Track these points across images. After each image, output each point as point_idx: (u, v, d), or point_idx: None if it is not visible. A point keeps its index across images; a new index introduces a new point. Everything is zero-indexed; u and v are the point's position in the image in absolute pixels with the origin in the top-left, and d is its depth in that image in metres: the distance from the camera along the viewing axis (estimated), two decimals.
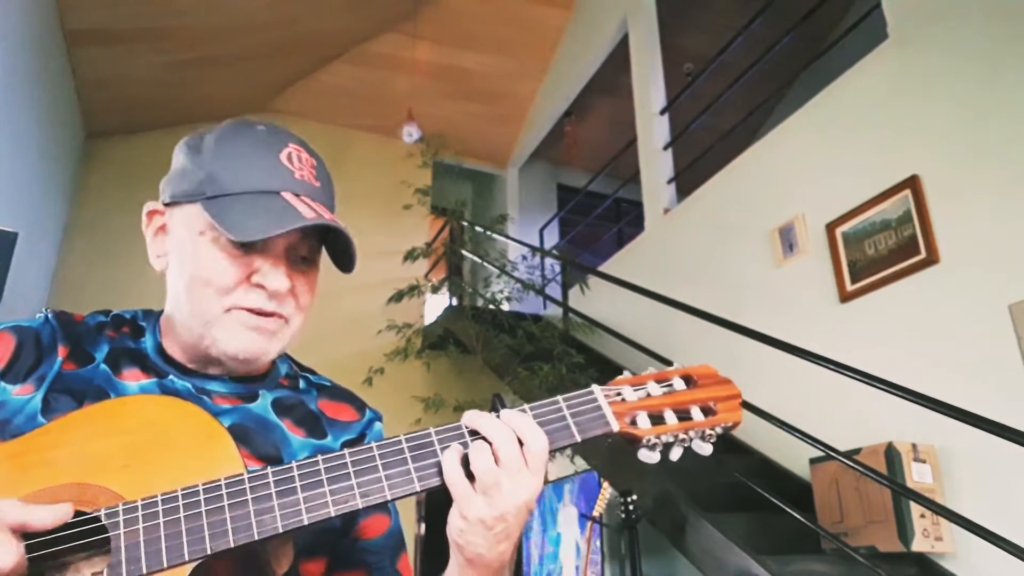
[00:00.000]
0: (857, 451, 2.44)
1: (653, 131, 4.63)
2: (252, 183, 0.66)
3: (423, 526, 5.26)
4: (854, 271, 2.98)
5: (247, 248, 0.67)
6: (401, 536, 0.78)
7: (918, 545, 2.25)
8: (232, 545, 0.55)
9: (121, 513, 0.54)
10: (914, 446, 2.40)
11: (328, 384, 0.83)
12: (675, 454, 0.68)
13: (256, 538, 0.56)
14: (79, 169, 5.11)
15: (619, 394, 0.68)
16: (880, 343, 2.80)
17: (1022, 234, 2.39)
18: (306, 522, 0.57)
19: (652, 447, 0.66)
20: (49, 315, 0.70)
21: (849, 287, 2.99)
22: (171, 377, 0.70)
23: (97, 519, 0.54)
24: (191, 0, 4.38)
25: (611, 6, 5.36)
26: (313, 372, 0.84)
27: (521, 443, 0.62)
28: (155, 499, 0.55)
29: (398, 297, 5.15)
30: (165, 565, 0.53)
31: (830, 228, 3.13)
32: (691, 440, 0.68)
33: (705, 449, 0.69)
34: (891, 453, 2.37)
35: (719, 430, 0.69)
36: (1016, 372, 2.31)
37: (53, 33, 3.97)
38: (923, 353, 2.63)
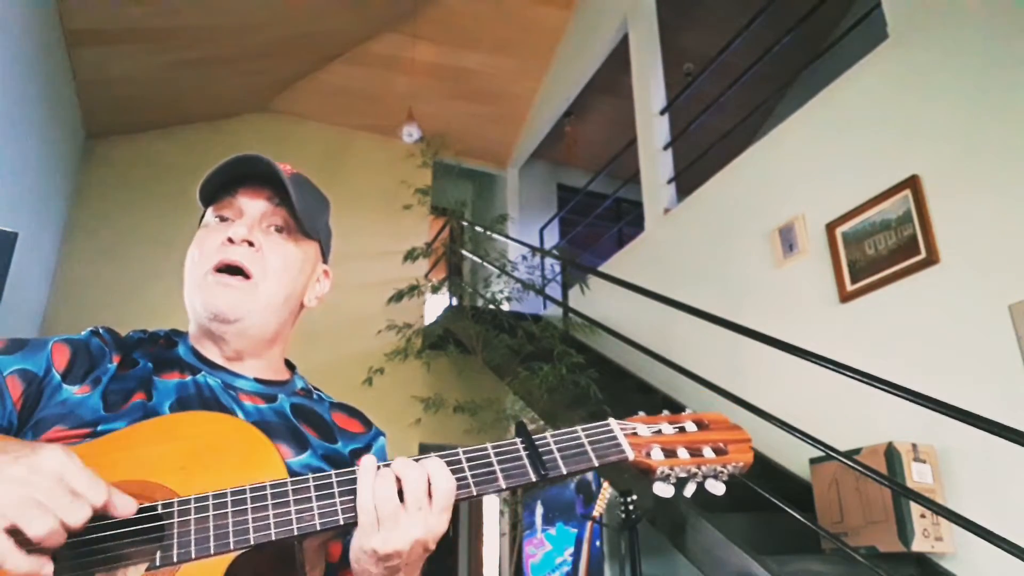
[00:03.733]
0: (857, 451, 2.44)
1: (653, 131, 4.63)
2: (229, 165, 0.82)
3: None
4: (854, 271, 2.99)
5: (226, 221, 0.81)
6: None
7: (918, 545, 2.25)
8: (273, 538, 0.60)
9: (176, 505, 0.61)
10: (914, 446, 2.40)
11: (339, 402, 0.92)
12: (689, 490, 0.72)
13: (296, 534, 0.61)
14: (79, 169, 5.11)
15: (634, 430, 0.73)
16: (880, 343, 2.80)
17: (1022, 234, 2.39)
18: (341, 522, 0.63)
19: (665, 479, 0.70)
20: (100, 330, 0.80)
21: (849, 287, 2.99)
22: (203, 373, 0.80)
23: (154, 509, 0.60)
24: (191, 0, 4.38)
25: (611, 6, 5.36)
26: (323, 392, 0.93)
27: (429, 484, 0.65)
28: (206, 496, 0.61)
29: (398, 297, 5.15)
30: (212, 552, 0.59)
31: (830, 228, 3.13)
32: (704, 478, 0.72)
33: (718, 488, 0.72)
34: (891, 453, 2.37)
35: (731, 469, 0.72)
36: (1016, 372, 2.31)
37: (53, 33, 3.97)
38: (923, 353, 2.63)
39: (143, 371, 0.77)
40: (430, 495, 0.64)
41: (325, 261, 0.91)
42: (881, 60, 3.07)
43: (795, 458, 2.92)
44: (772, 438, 2.98)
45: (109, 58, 4.48)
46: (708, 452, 0.72)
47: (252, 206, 0.82)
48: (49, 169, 4.33)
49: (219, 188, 0.82)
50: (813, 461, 2.63)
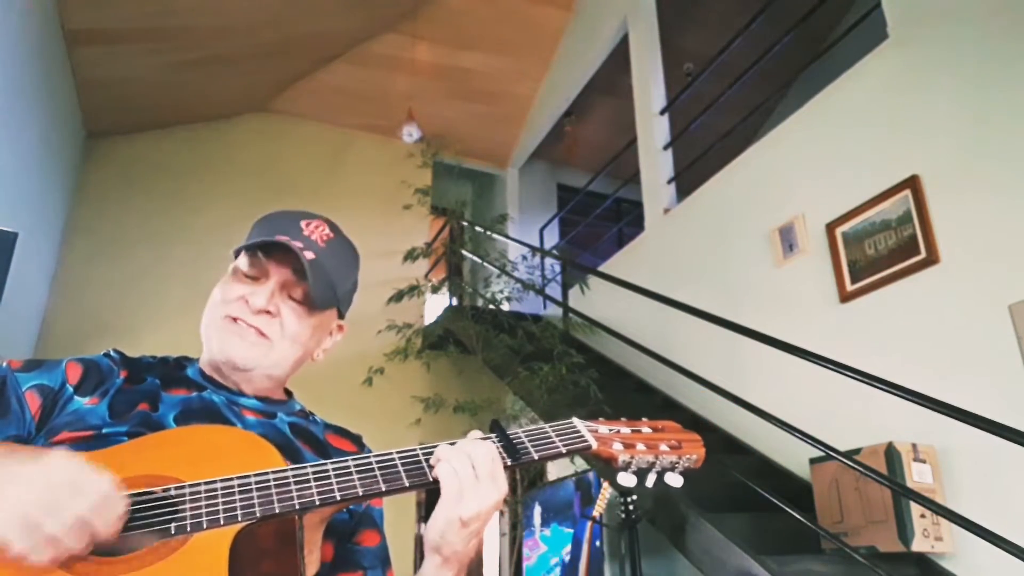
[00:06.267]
0: (857, 451, 2.44)
1: (653, 131, 4.63)
2: (268, 233, 0.88)
3: (423, 526, 5.26)
4: (854, 271, 2.99)
5: (252, 279, 0.87)
6: (388, 553, 0.92)
7: (918, 545, 2.25)
8: (277, 511, 0.66)
9: (188, 487, 0.67)
10: (914, 446, 2.40)
11: (333, 424, 0.98)
12: (650, 480, 0.82)
13: (297, 507, 0.67)
14: (79, 169, 5.10)
15: (595, 427, 0.84)
16: (880, 343, 2.80)
17: (1022, 234, 2.39)
18: (338, 498, 0.69)
19: (627, 468, 0.80)
20: (110, 352, 0.87)
21: (849, 287, 2.99)
22: (208, 391, 0.86)
23: (168, 495, 0.66)
24: (191, 0, 4.38)
25: (611, 6, 5.36)
26: (317, 415, 1.01)
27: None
28: (215, 481, 0.68)
29: (398, 297, 5.14)
30: (221, 523, 0.64)
31: (830, 228, 3.13)
32: (662, 469, 0.82)
33: (676, 480, 0.82)
34: (891, 453, 2.37)
35: (685, 461, 0.82)
36: (1016, 372, 2.31)
37: (53, 33, 3.97)
38: (923, 353, 2.63)
39: (150, 386, 0.84)
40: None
41: (342, 317, 0.97)
42: (881, 60, 3.07)
43: (795, 458, 2.92)
44: (772, 438, 2.98)
45: (109, 58, 4.48)
46: (663, 446, 0.82)
47: (277, 273, 0.87)
48: (49, 169, 4.33)
49: (254, 244, 0.89)
50: (813, 461, 2.63)
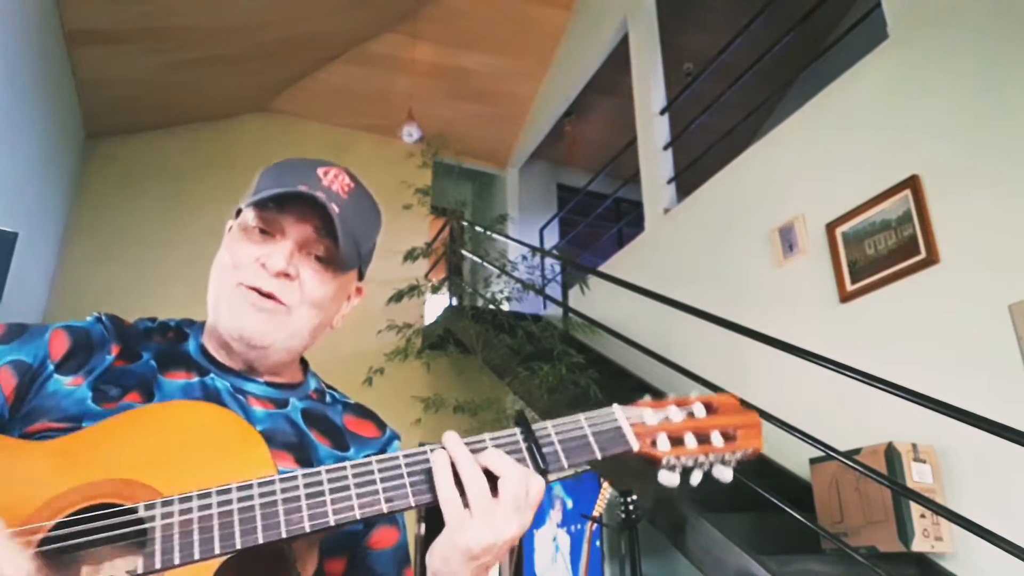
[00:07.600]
0: (857, 451, 2.44)
1: (653, 131, 4.63)
2: (284, 183, 0.75)
3: (423, 526, 5.26)
4: (854, 271, 2.98)
5: (266, 236, 0.75)
6: (407, 550, 0.82)
7: (918, 545, 2.25)
8: (260, 541, 0.57)
9: (159, 507, 0.57)
10: (914, 446, 2.40)
11: (352, 402, 0.88)
12: (695, 478, 0.69)
13: (284, 536, 0.57)
14: (79, 169, 5.11)
15: (640, 418, 0.69)
16: (880, 343, 2.80)
17: (1022, 234, 2.39)
18: (332, 523, 0.59)
19: (672, 468, 0.67)
20: (103, 317, 0.76)
21: (849, 287, 2.99)
22: (211, 375, 0.76)
23: (135, 511, 0.57)
24: (191, 0, 4.38)
25: (611, 6, 5.36)
26: (337, 390, 0.89)
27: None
28: (190, 495, 0.57)
29: (398, 297, 5.15)
30: (197, 557, 0.55)
31: (830, 228, 3.13)
32: (711, 465, 0.69)
33: (726, 474, 0.69)
34: (891, 453, 2.37)
35: (739, 455, 0.69)
36: (1016, 372, 2.31)
37: (53, 33, 3.97)
38: (923, 353, 2.63)
39: (145, 368, 0.73)
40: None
41: (361, 278, 0.87)
42: (881, 60, 3.07)
43: (795, 458, 2.92)
44: (772, 438, 2.97)
45: (109, 58, 4.48)
46: (716, 438, 0.68)
47: (296, 231, 0.75)
48: (49, 169, 4.33)
49: (269, 196, 0.75)
50: (813, 461, 2.63)
